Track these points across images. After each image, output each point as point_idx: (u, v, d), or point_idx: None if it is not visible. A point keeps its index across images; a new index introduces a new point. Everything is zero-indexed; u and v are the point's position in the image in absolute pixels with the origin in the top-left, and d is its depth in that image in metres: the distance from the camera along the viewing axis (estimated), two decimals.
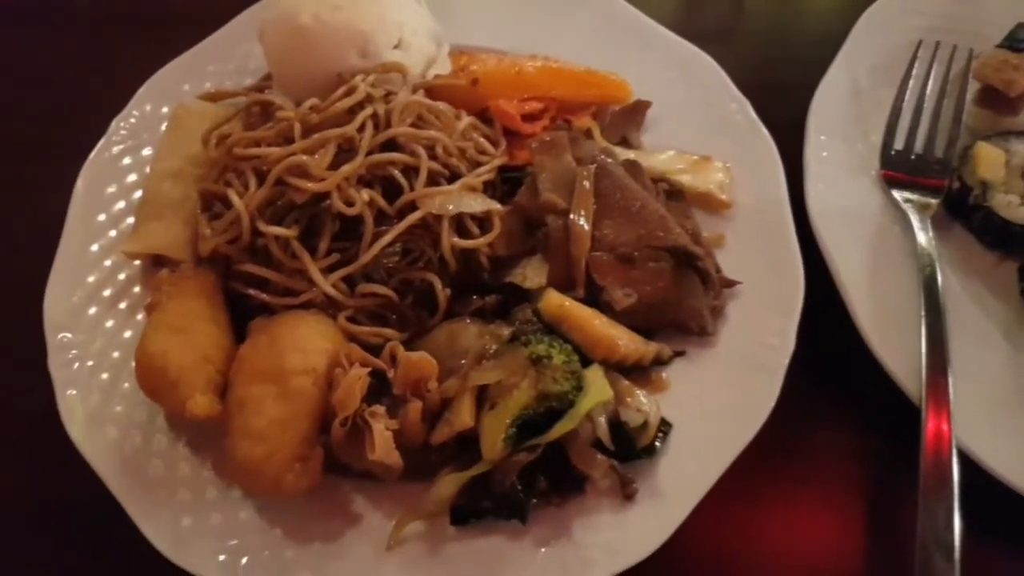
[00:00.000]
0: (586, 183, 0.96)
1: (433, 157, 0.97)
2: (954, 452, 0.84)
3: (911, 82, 1.09)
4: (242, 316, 0.93)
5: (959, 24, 1.15)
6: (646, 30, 1.16)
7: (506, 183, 1.03)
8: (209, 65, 1.16)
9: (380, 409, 0.80)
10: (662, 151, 1.06)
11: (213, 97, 1.10)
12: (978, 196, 1.01)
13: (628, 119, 1.09)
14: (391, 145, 0.95)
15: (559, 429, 0.80)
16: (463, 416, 0.82)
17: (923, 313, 0.92)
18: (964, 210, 1.02)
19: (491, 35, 1.17)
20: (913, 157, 1.05)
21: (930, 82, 1.09)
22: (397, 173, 0.93)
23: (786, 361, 0.90)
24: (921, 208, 1.01)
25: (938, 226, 1.03)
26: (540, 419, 0.82)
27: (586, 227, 0.93)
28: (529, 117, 1.09)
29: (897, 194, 1.02)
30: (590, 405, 0.81)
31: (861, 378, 0.94)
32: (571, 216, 0.94)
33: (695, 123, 1.08)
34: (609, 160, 0.99)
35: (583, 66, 1.12)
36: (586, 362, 0.87)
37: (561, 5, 1.19)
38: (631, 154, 1.04)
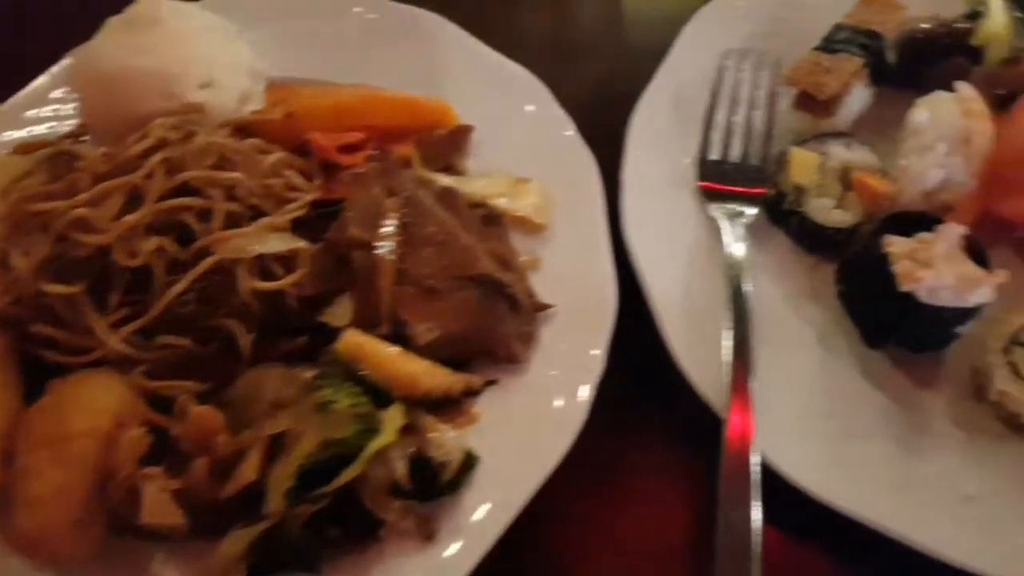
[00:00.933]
0: (393, 215, 0.94)
1: (234, 198, 0.95)
2: (755, 462, 0.83)
3: (722, 91, 1.08)
4: (47, 378, 0.90)
5: (785, 28, 1.14)
6: (472, 51, 1.15)
7: (327, 218, 1.02)
8: (26, 114, 1.14)
9: (155, 470, 0.79)
10: (485, 175, 1.05)
11: (26, 149, 1.08)
12: (792, 201, 1.00)
13: (451, 144, 1.07)
14: (188, 189, 0.94)
15: (344, 476, 0.79)
16: (248, 470, 0.80)
17: (729, 324, 0.92)
18: (781, 216, 1.02)
19: (316, 66, 1.15)
20: (729, 167, 1.04)
21: (742, 90, 1.08)
22: (190, 219, 0.91)
23: (594, 382, 0.89)
24: (736, 218, 1.00)
25: (760, 234, 1.03)
26: (331, 466, 0.80)
27: (390, 261, 0.92)
28: (350, 148, 1.07)
29: (713, 206, 1.01)
30: (375, 449, 0.79)
31: (677, 393, 0.92)
32: (375, 250, 0.93)
33: (519, 144, 1.07)
34: (420, 190, 0.98)
35: (406, 92, 1.11)
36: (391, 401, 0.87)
37: (386, 29, 1.17)
38: (449, 181, 1.03)
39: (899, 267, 0.87)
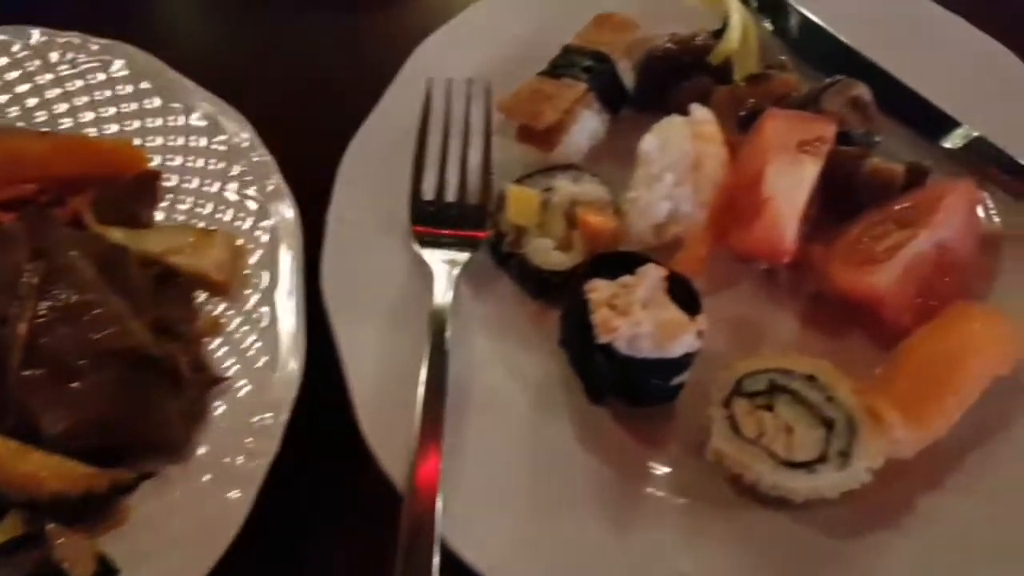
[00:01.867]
0: (30, 283, 0.82)
1: None
2: (436, 544, 0.72)
3: (431, 126, 0.97)
4: None
5: (528, 52, 1.04)
6: (174, 87, 1.03)
7: None
8: None
9: None
10: (168, 227, 0.94)
11: None
12: (511, 242, 0.91)
13: (134, 193, 0.95)
14: None
15: None
16: None
17: (422, 388, 0.81)
18: (502, 259, 0.92)
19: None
20: (445, 208, 0.94)
21: (455, 123, 0.98)
22: None
23: (265, 468, 0.78)
24: (450, 264, 0.90)
25: (487, 279, 0.93)
26: None
27: (21, 337, 0.80)
28: (19, 202, 0.95)
29: (428, 252, 0.91)
30: None
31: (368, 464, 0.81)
32: (7, 325, 0.81)
33: (214, 191, 0.96)
34: (74, 251, 0.85)
35: (94, 135, 0.99)
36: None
37: (79, 64, 1.04)
38: (121, 236, 0.91)
39: (598, 316, 0.78)
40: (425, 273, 0.91)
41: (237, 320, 0.88)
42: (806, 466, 0.76)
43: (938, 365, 0.81)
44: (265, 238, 0.92)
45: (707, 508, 0.80)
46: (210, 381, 0.83)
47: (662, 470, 0.82)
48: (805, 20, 1.09)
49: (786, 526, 0.78)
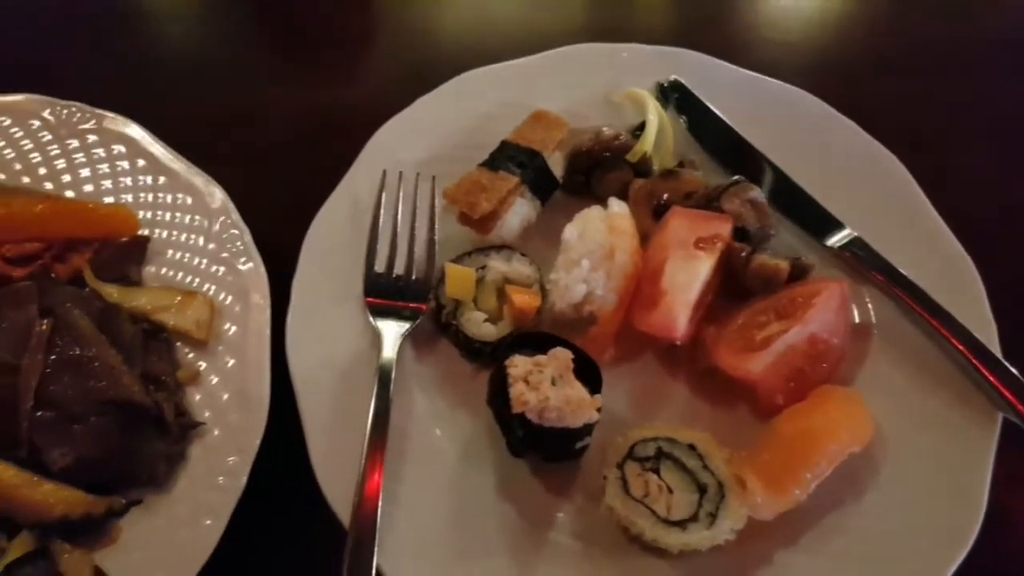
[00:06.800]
0: (42, 337, 1.06)
1: None
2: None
3: (384, 211, 1.23)
4: None
5: (476, 138, 1.30)
6: (157, 157, 1.28)
7: None
8: None
9: None
10: (155, 288, 1.18)
11: None
12: (449, 314, 1.17)
13: (127, 254, 1.20)
14: None
15: None
16: None
17: (367, 438, 1.05)
18: (443, 327, 1.18)
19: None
20: (393, 281, 1.19)
21: (406, 207, 1.24)
22: None
23: (233, 501, 1.03)
24: (397, 329, 1.15)
25: (431, 343, 1.19)
26: None
27: (32, 385, 1.04)
28: (27, 258, 1.18)
29: (378, 320, 1.16)
30: None
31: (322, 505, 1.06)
32: (19, 374, 1.04)
33: (196, 254, 1.21)
34: (76, 309, 1.09)
35: (91, 199, 1.23)
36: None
37: (72, 133, 1.29)
38: (117, 294, 1.15)
39: (514, 390, 1.03)
40: (374, 335, 1.16)
41: (212, 372, 1.13)
42: (680, 524, 1.01)
43: (797, 443, 1.05)
44: (238, 299, 1.17)
45: (600, 553, 1.05)
46: (189, 426, 1.08)
47: (566, 518, 1.07)
48: (715, 122, 1.35)
49: (664, 571, 1.03)
